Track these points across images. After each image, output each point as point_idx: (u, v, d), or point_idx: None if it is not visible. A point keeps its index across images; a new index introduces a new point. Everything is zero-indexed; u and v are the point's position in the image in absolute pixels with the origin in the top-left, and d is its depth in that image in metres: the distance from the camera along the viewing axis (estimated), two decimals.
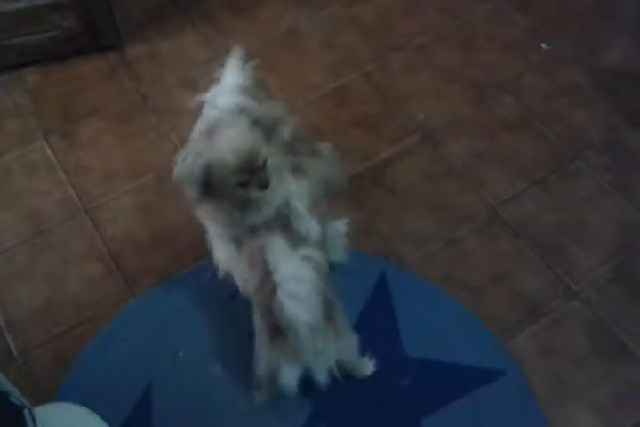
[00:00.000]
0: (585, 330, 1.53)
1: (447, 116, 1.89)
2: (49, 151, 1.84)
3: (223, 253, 1.31)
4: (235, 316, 1.51)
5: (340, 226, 1.58)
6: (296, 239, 1.23)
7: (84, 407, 1.34)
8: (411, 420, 1.41)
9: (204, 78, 1.40)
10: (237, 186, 1.17)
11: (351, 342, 1.32)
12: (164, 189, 1.75)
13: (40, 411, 1.24)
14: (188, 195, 1.20)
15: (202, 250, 1.57)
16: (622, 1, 2.15)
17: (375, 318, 1.53)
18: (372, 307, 1.54)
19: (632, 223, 1.68)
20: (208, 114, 1.25)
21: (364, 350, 1.41)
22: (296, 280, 1.15)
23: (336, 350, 1.27)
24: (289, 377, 1.27)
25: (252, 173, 1.16)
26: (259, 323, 1.25)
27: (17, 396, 1.22)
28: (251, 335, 1.42)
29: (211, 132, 1.17)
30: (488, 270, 1.62)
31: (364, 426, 1.42)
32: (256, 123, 1.17)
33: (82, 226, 1.71)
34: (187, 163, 1.16)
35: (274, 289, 1.14)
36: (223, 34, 2.08)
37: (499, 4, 2.14)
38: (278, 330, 1.17)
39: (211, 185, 1.16)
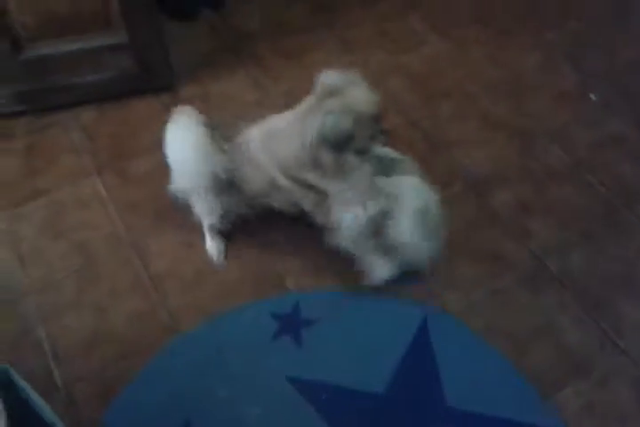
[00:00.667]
0: (632, 389, 1.58)
1: (493, 163, 2.00)
2: (101, 187, 1.99)
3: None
4: (276, 359, 1.62)
5: None
6: None
7: None
8: None
9: (252, 118, 1.62)
10: (370, 137, 1.44)
11: None
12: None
13: None
14: (325, 155, 1.42)
15: (245, 289, 1.75)
16: None
17: (416, 365, 1.61)
18: (413, 353, 1.62)
19: None
20: (324, 82, 1.47)
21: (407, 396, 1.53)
22: None
23: None
24: None
25: (379, 126, 1.46)
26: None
27: None
28: (291, 380, 1.55)
29: (332, 94, 1.41)
30: (532, 322, 1.69)
31: None
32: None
33: (128, 260, 1.83)
34: (330, 120, 1.38)
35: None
36: (272, 78, 2.26)
37: (548, 54, 2.29)
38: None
39: (353, 137, 1.42)
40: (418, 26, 2.41)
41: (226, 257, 1.84)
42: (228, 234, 1.84)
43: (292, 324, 1.68)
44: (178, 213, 1.89)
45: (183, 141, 1.61)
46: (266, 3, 2.52)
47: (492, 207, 1.90)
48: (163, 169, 1.99)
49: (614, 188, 1.94)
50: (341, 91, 1.43)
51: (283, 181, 1.57)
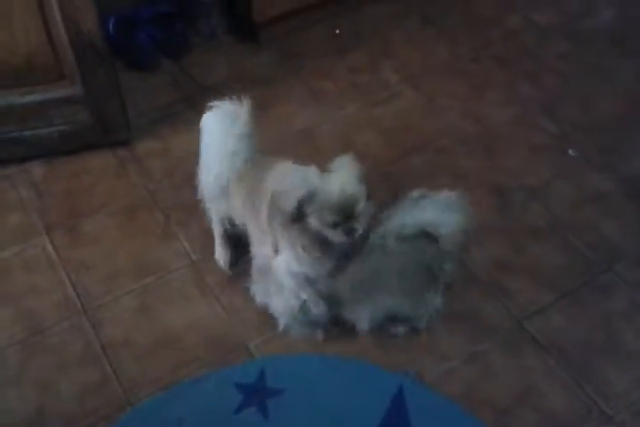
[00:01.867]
0: None
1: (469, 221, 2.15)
2: (50, 247, 2.08)
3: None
4: None
5: None
6: None
7: None
8: None
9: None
10: (328, 225, 1.52)
11: None
12: (167, 291, 1.97)
13: None
14: (278, 212, 1.54)
15: (206, 357, 1.82)
16: None
17: None
18: (389, 423, 1.69)
19: None
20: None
21: None
22: None
23: None
24: None
25: (345, 218, 1.52)
26: None
27: None
28: None
29: (322, 170, 1.53)
30: (514, 388, 1.78)
31: None
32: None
33: (80, 328, 1.89)
34: (292, 180, 1.51)
35: None
36: None
37: (523, 108, 2.47)
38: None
39: (304, 213, 1.53)
40: (390, 77, 2.58)
41: (233, 265, 1.99)
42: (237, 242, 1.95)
43: (257, 394, 1.74)
44: (133, 275, 2.00)
45: (228, 125, 1.76)
46: (229, 51, 2.69)
47: (469, 267, 2.01)
48: (117, 227, 2.11)
49: (596, 247, 2.06)
50: (330, 169, 1.57)
51: (263, 217, 1.68)
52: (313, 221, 1.54)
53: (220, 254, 2.01)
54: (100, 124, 2.28)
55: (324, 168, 2.16)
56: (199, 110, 2.48)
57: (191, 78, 2.58)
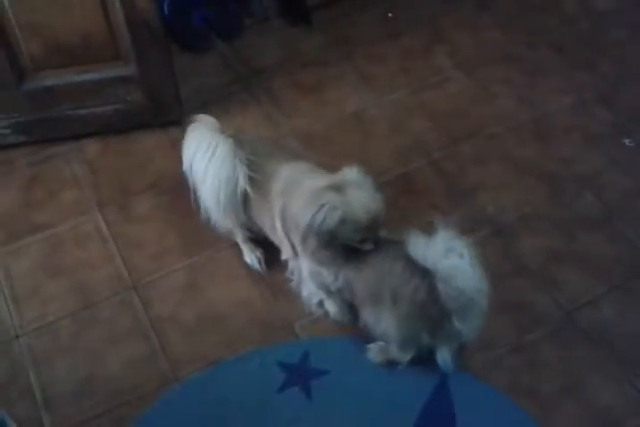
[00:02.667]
0: None
1: (520, 210, 2.08)
2: (102, 224, 2.11)
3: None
4: (283, 412, 1.68)
5: None
6: None
7: None
8: None
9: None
10: (357, 240, 1.55)
11: None
12: (214, 270, 1.99)
13: None
14: (309, 243, 1.58)
15: (251, 336, 1.83)
16: None
17: (434, 425, 1.66)
18: (431, 413, 1.68)
19: None
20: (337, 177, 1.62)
21: None
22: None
23: None
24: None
25: (372, 232, 1.55)
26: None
27: None
28: None
29: (339, 189, 1.54)
30: (561, 380, 1.74)
31: None
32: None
33: (129, 302, 1.93)
34: (322, 213, 1.52)
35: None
36: (286, 114, 2.40)
37: (579, 96, 2.41)
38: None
39: (337, 236, 1.56)
40: (443, 62, 2.54)
41: (265, 264, 1.96)
42: (263, 242, 1.93)
43: (300, 375, 1.74)
44: (184, 251, 2.02)
45: (209, 151, 1.72)
46: (281, 34, 2.69)
47: (519, 256, 1.98)
48: (168, 207, 2.13)
49: None
50: (347, 187, 1.57)
51: (279, 227, 1.71)
52: (342, 239, 1.57)
53: (251, 258, 1.98)
54: (154, 103, 2.30)
55: (372, 154, 2.20)
56: (252, 92, 2.55)
57: (243, 60, 2.58)
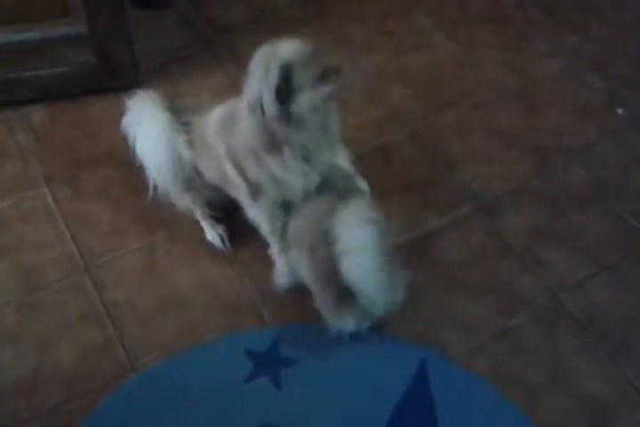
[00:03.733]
0: None
1: (505, 185, 2.08)
2: (50, 199, 2.06)
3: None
4: (250, 404, 1.67)
5: None
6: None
7: None
8: None
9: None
10: (317, 80, 1.55)
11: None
12: (175, 250, 1.95)
13: None
14: (267, 114, 1.54)
15: (215, 322, 1.80)
16: None
17: (413, 416, 1.65)
18: (408, 401, 1.67)
19: None
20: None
21: None
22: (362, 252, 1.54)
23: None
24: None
25: (323, 67, 1.56)
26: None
27: None
28: (264, 425, 1.59)
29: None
30: (546, 367, 1.75)
31: None
32: None
33: (81, 286, 1.89)
34: (261, 69, 1.52)
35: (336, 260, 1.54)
36: None
37: (570, 62, 2.41)
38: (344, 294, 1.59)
39: (292, 87, 1.53)
40: (423, 23, 2.52)
41: (230, 242, 1.95)
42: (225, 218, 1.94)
43: (269, 363, 1.73)
44: (140, 230, 1.98)
45: (146, 130, 1.77)
46: None
47: (503, 234, 1.98)
48: (122, 180, 2.08)
49: None
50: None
51: (230, 171, 1.72)
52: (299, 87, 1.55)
53: (213, 235, 1.97)
54: (106, 66, 2.24)
55: (346, 124, 2.15)
56: (215, 54, 2.49)
57: (206, 18, 2.53)
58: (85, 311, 1.85)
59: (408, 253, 1.90)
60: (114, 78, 2.26)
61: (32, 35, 2.13)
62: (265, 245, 1.83)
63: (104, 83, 2.27)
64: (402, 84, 2.34)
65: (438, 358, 1.74)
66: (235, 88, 2.31)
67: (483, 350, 1.77)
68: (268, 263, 1.84)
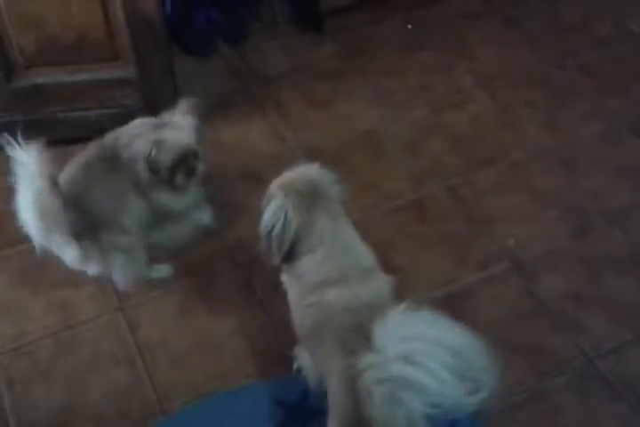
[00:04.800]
0: None
1: (542, 244, 2.14)
2: None
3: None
4: None
5: None
6: None
7: None
8: None
9: (266, 172, 1.71)
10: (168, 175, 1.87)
11: None
12: (209, 293, 2.02)
13: None
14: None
15: (246, 368, 1.86)
16: None
17: None
18: None
19: None
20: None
21: None
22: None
23: None
24: None
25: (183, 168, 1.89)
26: None
27: None
28: None
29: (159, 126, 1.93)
30: None
31: None
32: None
33: (115, 325, 1.96)
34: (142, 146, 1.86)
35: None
36: (293, 127, 2.46)
37: (610, 123, 2.48)
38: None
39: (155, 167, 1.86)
40: (464, 80, 2.62)
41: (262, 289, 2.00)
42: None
43: (299, 413, 1.76)
44: (178, 273, 2.04)
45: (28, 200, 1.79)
46: (291, 41, 2.75)
47: (539, 295, 2.02)
48: None
49: None
50: (165, 126, 1.92)
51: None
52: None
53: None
54: (151, 108, 2.29)
55: (383, 176, 2.25)
56: (257, 102, 2.60)
57: (249, 67, 2.65)
58: (118, 350, 1.91)
59: (443, 308, 1.94)
60: None
61: (82, 76, 2.25)
62: None
63: None
64: (441, 138, 2.42)
65: (470, 418, 1.73)
66: (274, 135, 2.46)
67: (516, 412, 1.79)
68: None
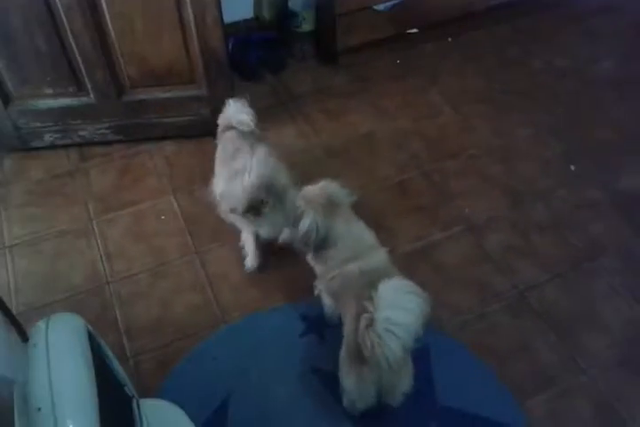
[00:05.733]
0: (589, 402, 1.65)
1: (488, 213, 2.11)
2: (175, 204, 2.15)
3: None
4: (303, 351, 1.72)
5: None
6: None
7: (176, 405, 1.49)
8: None
9: (297, 161, 1.81)
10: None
11: (411, 373, 1.50)
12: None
13: (143, 403, 1.40)
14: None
15: (282, 294, 1.85)
16: (639, 139, 2.38)
17: (415, 369, 1.63)
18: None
19: (636, 319, 1.82)
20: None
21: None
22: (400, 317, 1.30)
23: (403, 380, 1.47)
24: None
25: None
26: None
27: (130, 388, 1.39)
28: (313, 369, 1.64)
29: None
30: (512, 342, 1.77)
31: None
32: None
33: (192, 263, 1.97)
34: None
35: (371, 321, 1.30)
36: (315, 131, 2.42)
37: (538, 130, 2.42)
38: (361, 358, 1.36)
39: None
40: (435, 99, 2.55)
41: (259, 269, 1.91)
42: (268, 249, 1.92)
43: (317, 325, 1.77)
44: (232, 230, 2.00)
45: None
46: (315, 71, 2.70)
47: (485, 248, 2.00)
48: None
49: (585, 242, 2.02)
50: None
51: None
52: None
53: (247, 262, 1.92)
54: (217, 117, 2.22)
55: (377, 165, 2.21)
56: (290, 113, 2.55)
57: (285, 89, 2.61)
58: (194, 281, 1.92)
59: (417, 256, 1.96)
60: None
61: (171, 94, 2.24)
62: None
63: (215, 129, 2.25)
64: (418, 140, 2.38)
65: (434, 330, 1.74)
66: (302, 136, 2.42)
67: (467, 328, 1.79)
68: None
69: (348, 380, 1.47)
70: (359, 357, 1.36)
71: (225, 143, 1.85)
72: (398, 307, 1.29)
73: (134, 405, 1.36)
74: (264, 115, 2.48)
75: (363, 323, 1.31)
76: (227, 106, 1.87)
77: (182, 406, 1.50)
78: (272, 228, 1.75)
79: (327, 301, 1.72)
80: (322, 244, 1.55)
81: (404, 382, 1.48)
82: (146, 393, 1.59)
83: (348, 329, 1.47)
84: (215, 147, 2.10)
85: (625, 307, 1.84)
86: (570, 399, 1.65)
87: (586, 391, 1.67)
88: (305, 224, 1.52)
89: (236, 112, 1.85)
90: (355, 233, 1.58)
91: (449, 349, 1.73)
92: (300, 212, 1.55)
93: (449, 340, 1.75)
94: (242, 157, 1.68)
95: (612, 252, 1.99)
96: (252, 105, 2.37)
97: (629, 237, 2.03)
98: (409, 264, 1.91)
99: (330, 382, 1.60)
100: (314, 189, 1.60)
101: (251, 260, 1.90)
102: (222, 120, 1.89)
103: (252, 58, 2.61)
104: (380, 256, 1.56)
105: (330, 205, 1.55)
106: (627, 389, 1.67)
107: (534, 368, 1.72)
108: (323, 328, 1.76)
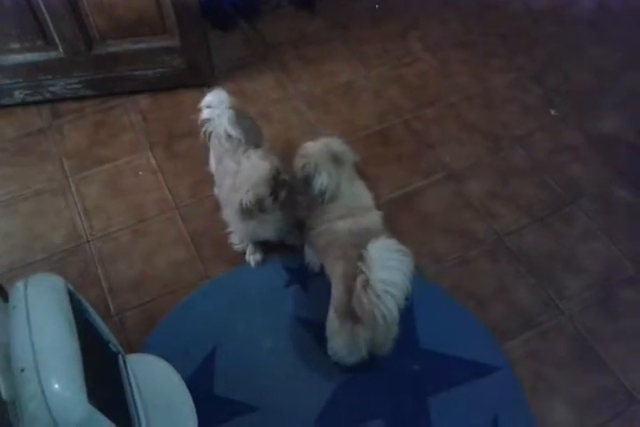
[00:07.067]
0: (567, 341, 1.63)
1: (468, 160, 2.03)
2: (152, 159, 2.03)
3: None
4: (287, 302, 1.66)
5: None
6: None
7: (163, 359, 1.47)
8: (419, 398, 1.52)
9: (276, 112, 1.72)
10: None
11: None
12: None
13: (129, 358, 1.38)
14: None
15: (269, 247, 1.76)
16: (619, 81, 2.27)
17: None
18: None
19: (613, 260, 1.79)
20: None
21: None
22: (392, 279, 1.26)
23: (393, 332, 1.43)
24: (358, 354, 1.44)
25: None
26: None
27: (114, 344, 1.34)
28: (298, 319, 1.58)
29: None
30: (492, 286, 1.73)
31: (380, 402, 1.52)
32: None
33: (173, 220, 1.87)
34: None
35: (367, 282, 1.26)
36: (293, 80, 2.27)
37: (518, 74, 2.30)
38: (353, 317, 1.32)
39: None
40: (415, 45, 2.40)
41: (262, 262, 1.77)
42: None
43: (301, 275, 1.72)
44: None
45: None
46: (291, 18, 2.52)
47: (465, 194, 1.94)
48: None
49: (564, 185, 1.96)
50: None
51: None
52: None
53: (250, 259, 1.75)
54: (191, 69, 2.17)
55: (357, 114, 2.09)
56: (267, 62, 2.37)
57: (261, 37, 2.42)
58: (176, 237, 1.83)
59: (399, 205, 1.89)
60: (197, 77, 2.19)
61: (142, 45, 2.07)
62: None
63: (190, 80, 2.20)
64: (398, 87, 2.25)
65: (416, 276, 1.65)
66: (279, 86, 2.26)
67: (447, 273, 1.75)
68: None
69: (339, 338, 1.42)
70: (350, 316, 1.33)
71: (215, 145, 1.67)
72: (391, 267, 1.26)
73: (120, 360, 1.33)
74: (240, 65, 2.37)
75: (359, 284, 1.27)
76: (205, 97, 1.65)
77: (169, 360, 1.47)
78: (275, 226, 1.62)
79: (309, 251, 1.67)
80: (330, 200, 1.50)
81: (393, 333, 1.45)
82: (132, 349, 1.54)
83: (337, 290, 1.41)
84: (193, 97, 1.99)
85: (602, 248, 1.81)
86: (548, 339, 1.63)
87: (563, 331, 1.65)
88: (323, 181, 1.46)
89: (218, 117, 1.61)
90: (354, 192, 1.53)
91: (430, 294, 1.69)
92: (311, 168, 1.47)
93: (430, 285, 1.71)
94: (237, 156, 1.53)
95: (590, 194, 1.93)
96: (227, 54, 2.24)
97: (608, 179, 1.97)
98: (391, 212, 1.83)
99: (316, 331, 1.55)
100: (316, 145, 1.51)
101: (255, 257, 1.74)
102: (204, 116, 1.64)
103: (226, 6, 2.42)
104: (372, 218, 1.51)
105: (337, 163, 1.49)
106: (602, 327, 1.65)
107: (514, 311, 1.68)
108: (306, 278, 1.71)
